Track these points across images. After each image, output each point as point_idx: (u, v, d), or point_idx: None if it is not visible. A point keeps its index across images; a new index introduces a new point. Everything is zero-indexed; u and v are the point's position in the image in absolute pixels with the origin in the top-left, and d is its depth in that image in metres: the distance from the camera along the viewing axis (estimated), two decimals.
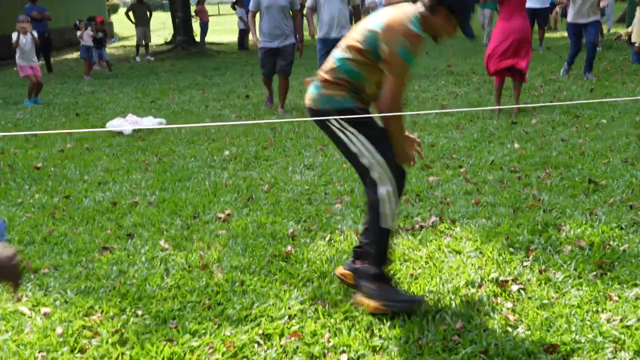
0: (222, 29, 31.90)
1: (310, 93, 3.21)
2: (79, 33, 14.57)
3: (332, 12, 8.46)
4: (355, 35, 3.10)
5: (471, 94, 9.23)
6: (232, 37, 23.39)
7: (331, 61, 3.17)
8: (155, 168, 6.06)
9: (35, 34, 10.99)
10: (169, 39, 22.89)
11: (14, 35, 10.55)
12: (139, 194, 5.29)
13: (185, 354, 2.87)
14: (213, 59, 17.87)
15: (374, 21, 3.06)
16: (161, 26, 28.61)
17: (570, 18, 9.85)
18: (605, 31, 15.90)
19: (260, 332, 3.01)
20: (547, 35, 13.98)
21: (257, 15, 8.81)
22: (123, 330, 3.09)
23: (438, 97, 9.14)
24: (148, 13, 18.27)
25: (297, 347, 2.88)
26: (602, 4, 9.65)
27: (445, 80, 10.66)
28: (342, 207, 4.67)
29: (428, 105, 8.57)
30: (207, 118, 8.69)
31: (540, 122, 6.98)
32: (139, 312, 3.25)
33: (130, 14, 18.10)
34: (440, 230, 4.15)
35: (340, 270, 3.40)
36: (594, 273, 3.42)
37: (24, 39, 10.61)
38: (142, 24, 18.02)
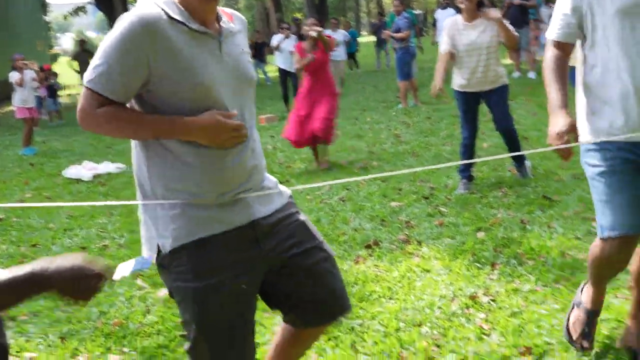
0: None
1: None
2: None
3: None
4: None
5: (422, 122, 9.53)
6: None
7: None
8: (120, 212, 6.09)
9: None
10: None
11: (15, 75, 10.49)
12: (108, 237, 5.32)
13: None
14: None
15: None
16: None
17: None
18: None
19: None
20: None
21: None
22: None
23: (391, 127, 9.41)
24: None
25: None
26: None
27: (396, 111, 10.97)
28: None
29: (383, 135, 8.83)
30: None
31: (491, 146, 7.27)
32: (125, 350, 3.30)
33: (75, 62, 18.01)
34: (408, 252, 4.32)
35: None
36: (557, 282, 3.63)
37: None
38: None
